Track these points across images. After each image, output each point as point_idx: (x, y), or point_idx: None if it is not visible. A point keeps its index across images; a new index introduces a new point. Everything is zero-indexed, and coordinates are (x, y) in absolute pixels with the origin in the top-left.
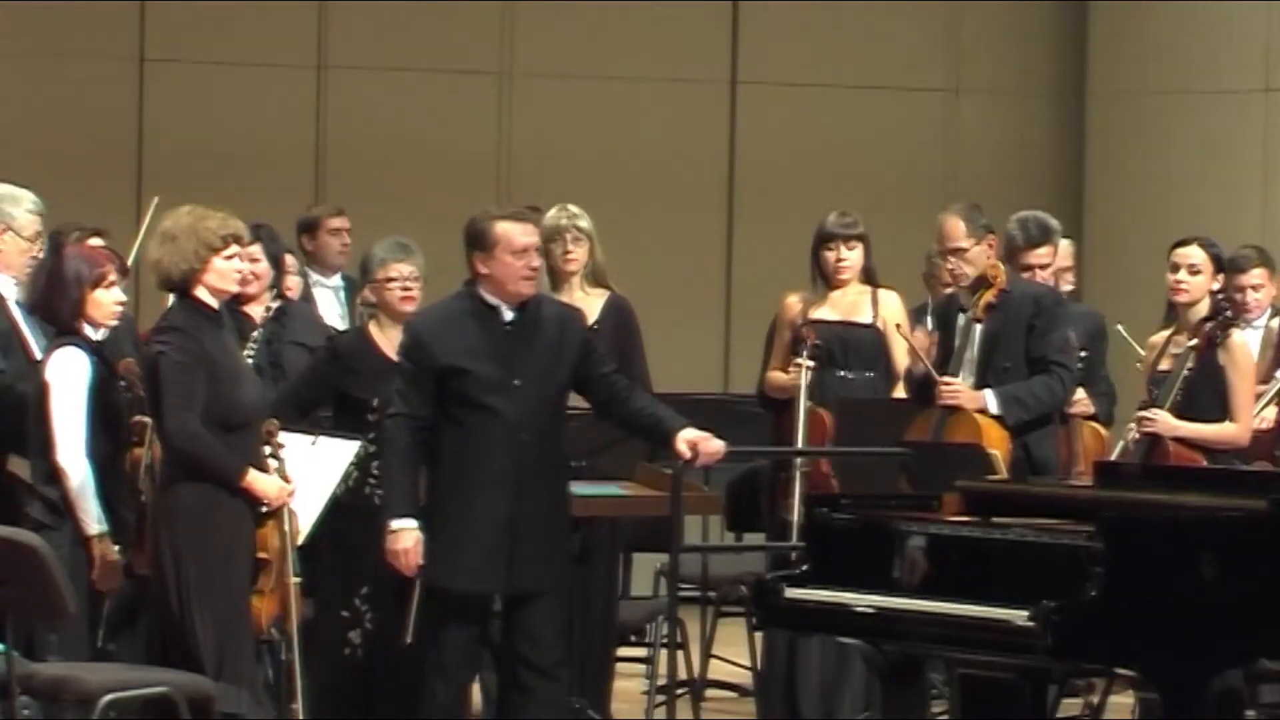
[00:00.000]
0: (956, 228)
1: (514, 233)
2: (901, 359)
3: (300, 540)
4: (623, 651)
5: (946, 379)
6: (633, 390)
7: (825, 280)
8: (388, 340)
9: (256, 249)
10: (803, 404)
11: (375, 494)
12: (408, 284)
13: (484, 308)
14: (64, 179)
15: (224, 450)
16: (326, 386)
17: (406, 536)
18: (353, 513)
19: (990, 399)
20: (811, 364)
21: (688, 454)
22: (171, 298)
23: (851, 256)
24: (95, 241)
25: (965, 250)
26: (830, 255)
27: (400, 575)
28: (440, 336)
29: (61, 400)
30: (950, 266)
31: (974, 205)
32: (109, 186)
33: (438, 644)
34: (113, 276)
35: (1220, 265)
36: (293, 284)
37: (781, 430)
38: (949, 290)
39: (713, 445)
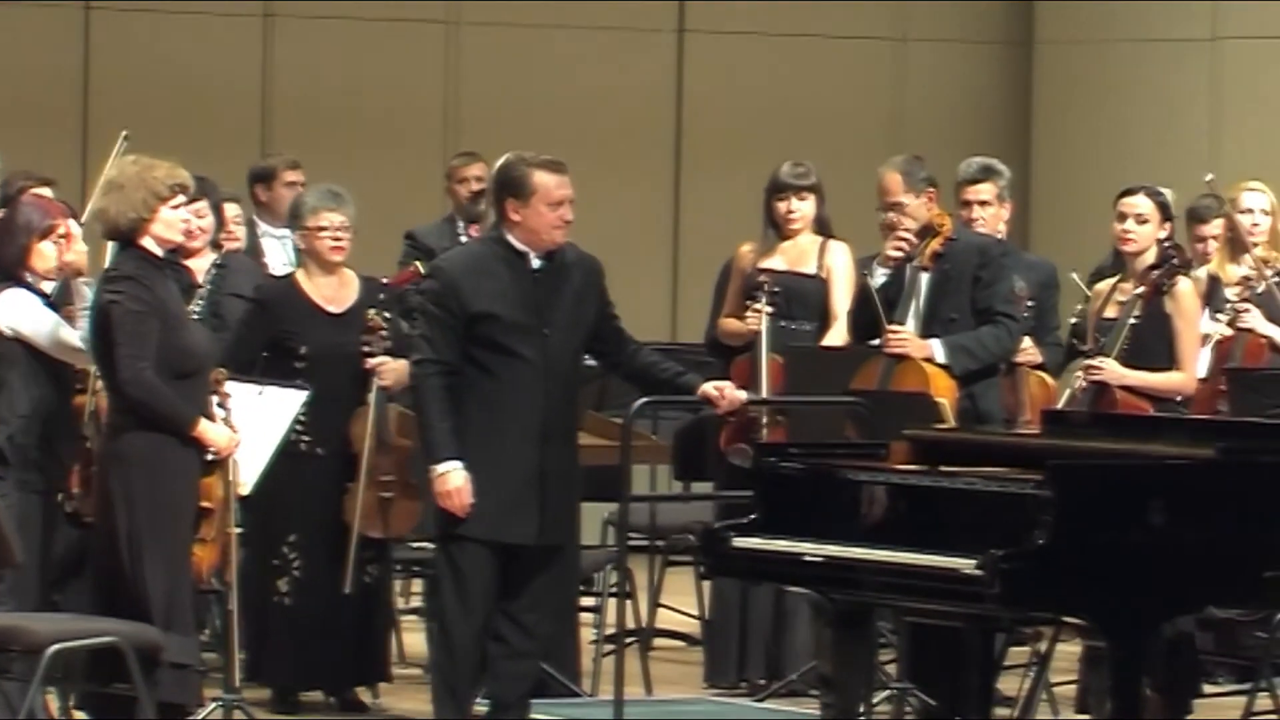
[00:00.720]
0: (895, 182)
1: (551, 184)
2: (839, 306)
3: (246, 490)
4: None
5: (894, 326)
6: (639, 344)
7: (776, 230)
8: (315, 287)
9: (203, 204)
10: (764, 351)
11: (302, 440)
12: (338, 234)
13: (512, 254)
14: (7, 127)
15: (177, 399)
16: (263, 336)
17: (455, 476)
18: (280, 460)
19: (937, 348)
20: (770, 310)
21: (723, 401)
22: (110, 246)
23: (803, 208)
24: (45, 191)
25: (904, 205)
26: (782, 206)
27: (339, 523)
28: (471, 281)
29: (36, 331)
30: (891, 220)
31: (914, 158)
32: (53, 134)
33: (453, 589)
34: (63, 230)
35: (1167, 214)
36: (239, 234)
37: (732, 378)
38: (896, 254)
39: (737, 394)
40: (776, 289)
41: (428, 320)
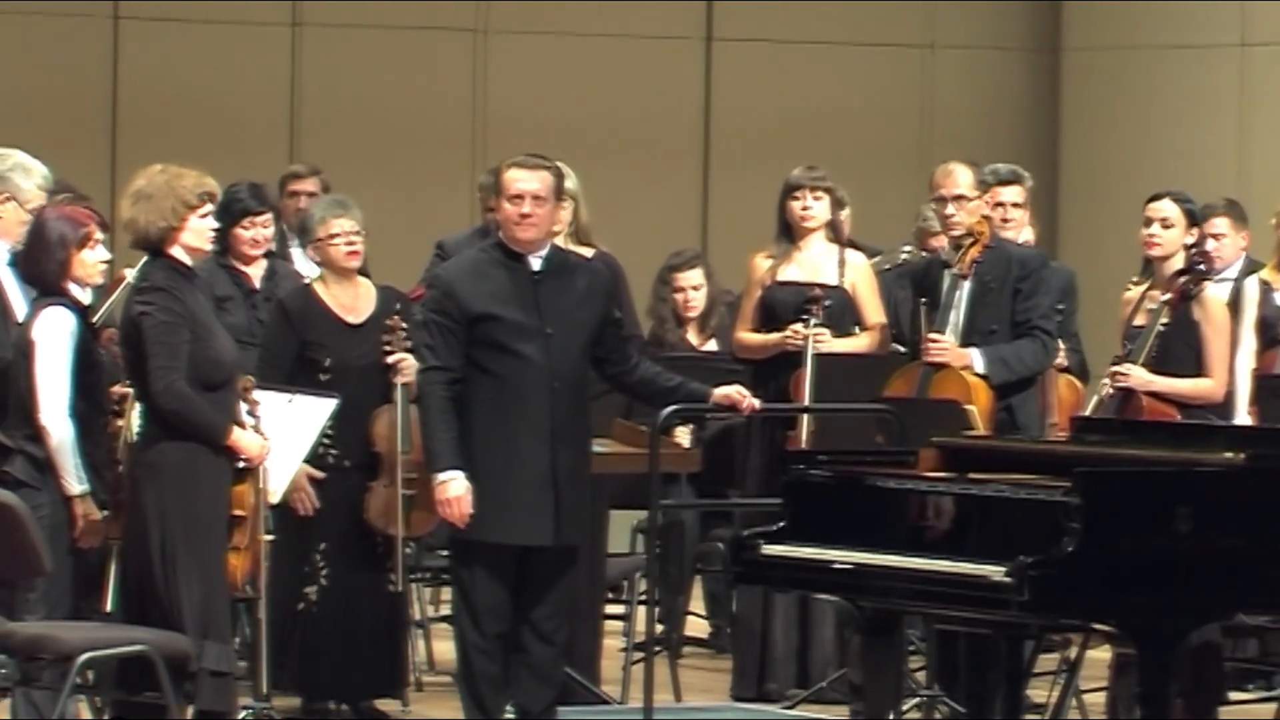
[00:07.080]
0: (966, 175)
1: (510, 178)
2: (873, 318)
3: (275, 499)
4: None
5: (934, 335)
6: (641, 358)
7: (791, 232)
8: (333, 297)
9: (268, 215)
10: (809, 367)
11: (330, 452)
12: (351, 239)
13: (509, 257)
14: (36, 137)
15: (210, 409)
16: (293, 346)
17: (455, 486)
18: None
19: (976, 357)
20: (824, 331)
21: (744, 403)
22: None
23: (817, 206)
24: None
25: (969, 199)
26: (796, 205)
27: (375, 530)
28: (469, 284)
29: (46, 359)
30: (948, 213)
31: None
32: (82, 145)
33: (472, 596)
34: (98, 235)
35: (1194, 219)
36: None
37: (791, 391)
38: (926, 253)
39: (753, 400)
40: (829, 303)
41: (429, 328)
